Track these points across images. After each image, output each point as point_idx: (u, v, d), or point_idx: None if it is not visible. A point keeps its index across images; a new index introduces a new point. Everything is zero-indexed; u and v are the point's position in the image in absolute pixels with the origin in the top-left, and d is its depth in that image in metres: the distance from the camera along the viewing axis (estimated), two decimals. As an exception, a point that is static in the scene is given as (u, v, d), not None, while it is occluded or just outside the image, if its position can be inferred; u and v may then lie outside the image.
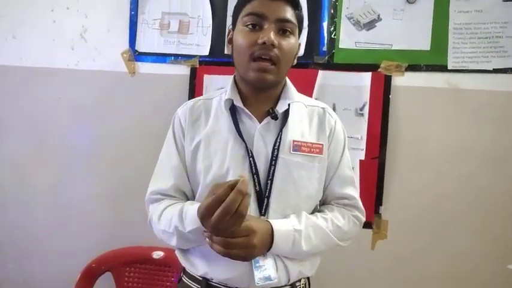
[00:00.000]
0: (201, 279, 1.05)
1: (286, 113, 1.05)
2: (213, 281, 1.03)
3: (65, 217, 2.02)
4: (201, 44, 1.89)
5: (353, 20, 1.76)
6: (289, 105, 1.05)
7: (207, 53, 1.88)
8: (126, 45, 1.96)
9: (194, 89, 1.88)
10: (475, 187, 1.68)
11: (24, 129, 2.04)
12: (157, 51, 1.93)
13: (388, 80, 1.73)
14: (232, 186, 0.79)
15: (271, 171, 1.01)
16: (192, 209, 0.94)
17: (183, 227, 0.95)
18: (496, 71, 1.65)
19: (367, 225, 1.73)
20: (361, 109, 1.75)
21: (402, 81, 1.73)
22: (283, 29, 0.98)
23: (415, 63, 1.71)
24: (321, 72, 1.77)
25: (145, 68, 1.95)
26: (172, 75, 1.92)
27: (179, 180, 1.07)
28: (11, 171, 2.06)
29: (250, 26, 0.98)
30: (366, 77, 1.74)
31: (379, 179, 1.74)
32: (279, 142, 1.02)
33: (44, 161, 2.03)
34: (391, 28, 1.73)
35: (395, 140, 1.74)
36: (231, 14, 1.81)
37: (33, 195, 2.04)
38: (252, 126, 1.04)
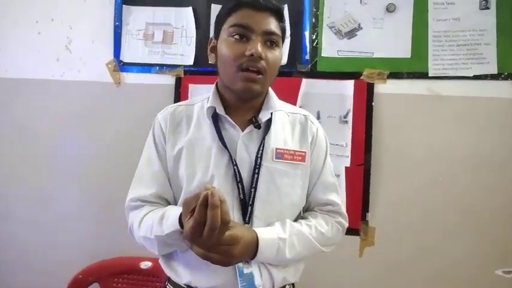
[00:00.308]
0: (185, 287, 1.05)
1: (268, 121, 1.06)
2: None
3: (51, 228, 2.01)
4: (185, 54, 1.90)
5: (334, 29, 1.78)
6: (271, 113, 1.06)
7: (191, 62, 1.90)
8: (111, 56, 1.97)
9: (179, 98, 1.89)
10: (458, 192, 1.70)
11: (11, 139, 2.04)
12: (142, 62, 1.95)
13: (370, 87, 1.75)
14: (205, 202, 0.79)
15: (255, 179, 1.01)
16: (172, 214, 0.94)
17: (162, 230, 0.95)
18: (476, 77, 1.67)
19: (354, 232, 1.75)
20: (345, 116, 1.77)
21: (384, 88, 1.75)
22: (270, 42, 0.99)
23: (397, 70, 1.74)
24: (304, 81, 1.79)
25: (130, 78, 1.96)
26: (158, 85, 1.92)
27: (160, 187, 1.06)
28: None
29: (236, 37, 0.98)
30: (349, 84, 1.76)
31: (365, 185, 1.75)
32: (262, 150, 1.03)
33: (30, 171, 2.02)
34: (372, 36, 1.75)
35: (379, 147, 1.75)
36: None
37: (19, 206, 2.03)
38: (235, 134, 1.04)
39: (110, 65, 1.96)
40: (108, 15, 1.96)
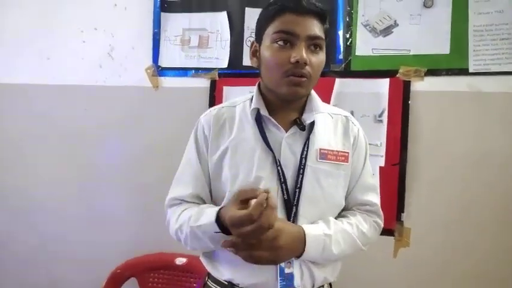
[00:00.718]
0: (226, 283, 1.06)
1: (311, 122, 1.06)
2: (239, 286, 1.04)
3: (94, 226, 2.11)
4: (220, 57, 1.95)
5: (369, 27, 1.76)
6: (314, 115, 1.06)
7: (225, 65, 1.94)
8: (149, 61, 2.05)
9: (214, 100, 1.94)
10: (500, 193, 1.62)
11: (58, 143, 2.16)
12: (179, 66, 2.01)
13: (407, 85, 1.71)
14: (263, 201, 0.83)
15: (300, 179, 1.02)
16: (210, 210, 0.98)
17: (197, 222, 0.98)
18: (520, 72, 1.59)
19: (389, 232, 1.71)
20: (380, 115, 1.73)
21: (422, 86, 1.70)
22: (314, 44, 0.99)
23: (435, 67, 1.68)
24: (338, 80, 1.78)
25: (168, 82, 2.03)
26: (194, 88, 1.98)
27: (199, 188, 1.08)
28: (45, 182, 2.18)
29: (280, 43, 0.98)
30: (384, 83, 1.73)
31: (400, 185, 1.71)
32: (306, 151, 1.03)
33: (75, 172, 2.14)
34: (408, 33, 1.71)
35: (416, 146, 1.70)
36: (248, 27, 1.90)
37: (65, 205, 2.15)
38: (279, 135, 1.04)
39: (148, 70, 2.05)
40: (147, 23, 2.04)
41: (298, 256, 0.97)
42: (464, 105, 1.66)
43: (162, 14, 2.02)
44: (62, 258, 2.15)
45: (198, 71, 1.98)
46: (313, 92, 1.10)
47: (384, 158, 1.71)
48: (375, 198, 1.13)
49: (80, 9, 2.12)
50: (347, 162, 1.07)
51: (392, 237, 1.73)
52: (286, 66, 0.96)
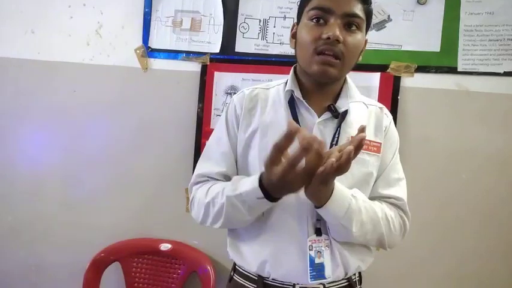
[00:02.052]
0: (256, 277, 1.03)
1: (345, 110, 1.03)
2: (269, 279, 1.00)
3: (77, 207, 2.07)
4: (212, 42, 1.92)
5: (363, 20, 1.76)
6: (349, 104, 1.04)
7: (217, 50, 1.91)
8: (139, 42, 2.00)
9: (205, 85, 1.91)
10: (482, 189, 1.68)
11: (40, 121, 2.10)
12: (170, 48, 1.97)
13: (397, 80, 1.73)
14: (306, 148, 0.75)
15: None
16: (250, 178, 0.92)
17: (236, 189, 0.93)
18: (506, 74, 1.64)
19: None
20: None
21: (411, 82, 1.73)
22: (350, 25, 0.95)
23: (425, 64, 1.71)
24: (329, 72, 1.78)
25: (157, 64, 1.99)
26: (184, 72, 1.95)
27: (227, 166, 1.06)
28: (26, 162, 2.12)
29: (315, 20, 0.96)
30: (375, 77, 1.75)
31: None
32: (337, 138, 1.01)
33: (58, 152, 2.08)
34: (401, 29, 1.73)
35: (403, 141, 1.70)
36: (242, 13, 1.88)
37: (47, 185, 2.10)
38: (311, 120, 1.02)
39: (138, 51, 2.00)
40: (138, 2, 1.98)
41: (321, 205, 0.92)
42: (451, 103, 1.70)
43: (155, -7, 1.98)
44: (42, 240, 2.11)
45: (189, 55, 1.95)
46: (349, 80, 1.09)
47: (371, 151, 1.74)
48: (399, 192, 1.08)
49: (67, -17, 2.05)
50: (379, 153, 1.05)
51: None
52: (317, 43, 0.94)
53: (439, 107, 1.71)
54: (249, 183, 0.91)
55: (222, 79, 1.90)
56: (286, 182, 0.81)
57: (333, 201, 0.91)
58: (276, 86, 1.10)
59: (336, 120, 1.02)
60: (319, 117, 1.02)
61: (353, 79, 1.73)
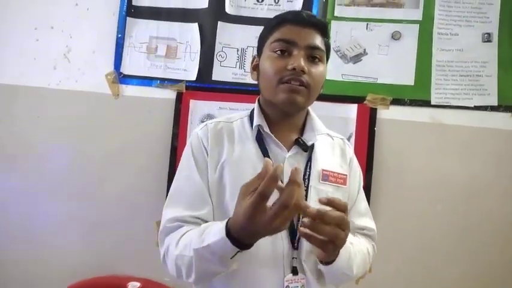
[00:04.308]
0: None
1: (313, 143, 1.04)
2: None
3: (36, 243, 1.91)
4: (188, 69, 1.88)
5: (340, 53, 1.80)
6: (316, 136, 1.04)
7: (194, 78, 1.87)
8: (111, 67, 1.92)
9: (179, 113, 1.85)
10: (455, 221, 1.71)
11: (2, 147, 1.95)
12: (143, 75, 1.91)
13: (373, 112, 1.76)
14: (275, 177, 0.67)
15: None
16: (217, 224, 0.84)
17: (202, 241, 0.84)
18: (477, 108, 1.71)
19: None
20: (348, 140, 1.75)
21: (387, 114, 1.77)
22: (313, 56, 0.97)
23: (400, 97, 1.76)
24: (308, 102, 1.78)
25: (130, 90, 1.92)
26: (158, 99, 1.89)
27: (203, 208, 0.97)
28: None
29: (278, 52, 0.96)
30: (352, 108, 1.77)
31: (364, 210, 1.73)
32: (309, 171, 1.00)
33: (17, 181, 1.93)
34: (376, 62, 1.78)
35: (380, 172, 1.75)
36: (220, 42, 1.86)
37: (4, 218, 1.93)
38: (280, 154, 1.00)
39: (109, 76, 1.92)
40: (111, 27, 1.92)
41: (329, 262, 0.89)
42: (425, 135, 1.75)
43: (128, 18, 1.92)
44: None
45: (164, 82, 1.89)
46: (312, 112, 1.09)
47: (349, 182, 1.73)
48: (370, 223, 1.11)
49: (34, 5, 1.96)
50: (345, 185, 1.05)
51: (354, 262, 1.73)
52: (282, 74, 0.94)
53: (414, 139, 1.75)
54: (216, 232, 0.82)
55: (198, 107, 1.85)
56: (258, 221, 0.72)
57: (340, 256, 0.89)
58: (239, 119, 1.07)
59: (305, 154, 1.02)
60: (288, 151, 1.01)
61: (331, 110, 1.79)
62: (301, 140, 1.02)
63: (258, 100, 1.07)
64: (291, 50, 0.96)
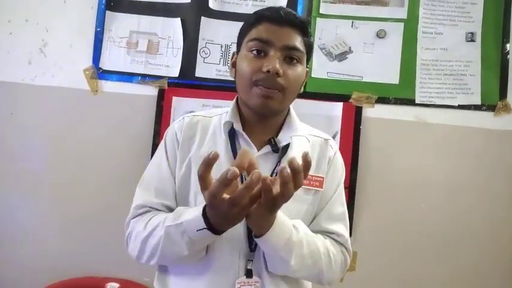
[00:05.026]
0: None
1: (287, 144, 0.99)
2: None
3: (8, 244, 1.83)
4: (170, 65, 1.83)
5: (325, 51, 1.78)
6: (291, 137, 1.00)
7: (176, 74, 1.82)
8: (89, 62, 1.85)
9: (162, 110, 1.80)
10: (441, 218, 1.72)
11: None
12: (124, 70, 1.85)
13: (359, 110, 1.75)
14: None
15: None
16: (194, 208, 0.86)
17: (178, 218, 0.86)
18: (460, 107, 1.72)
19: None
20: (333, 138, 1.74)
21: (372, 112, 1.76)
22: (290, 56, 0.93)
23: (385, 95, 1.75)
24: (293, 100, 1.76)
25: (109, 86, 1.85)
26: (139, 96, 1.83)
27: (170, 197, 0.99)
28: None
29: (255, 52, 0.93)
30: (338, 107, 1.75)
31: (349, 209, 1.69)
32: (276, 174, 0.95)
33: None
34: (362, 60, 1.76)
35: (365, 170, 1.74)
36: (203, 38, 1.81)
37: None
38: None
39: (87, 72, 1.85)
40: (89, 20, 1.85)
41: (261, 234, 0.85)
42: (409, 134, 1.75)
43: (108, 12, 1.85)
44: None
45: (145, 78, 1.83)
46: (292, 111, 1.05)
47: (334, 181, 1.71)
48: (342, 229, 1.03)
49: (8, -4, 1.87)
50: (321, 187, 1.00)
51: (339, 261, 1.72)
52: (257, 76, 0.91)
53: (398, 138, 1.75)
54: (192, 212, 0.85)
55: (181, 104, 1.80)
56: (217, 205, 0.75)
57: (274, 230, 0.85)
58: (218, 116, 1.05)
59: (276, 155, 0.98)
60: (258, 151, 0.97)
61: (316, 108, 1.77)
62: (274, 140, 0.98)
63: (237, 98, 1.04)
64: (267, 50, 0.92)
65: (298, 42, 0.94)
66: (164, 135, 1.05)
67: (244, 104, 1.00)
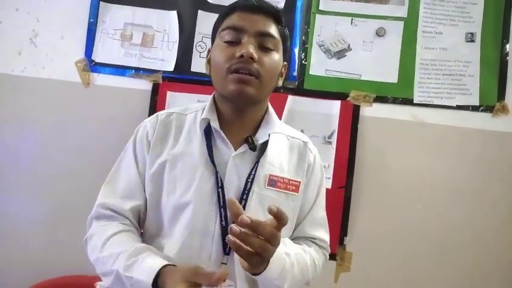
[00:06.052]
0: None
1: (265, 142, 0.96)
2: None
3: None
4: (165, 59, 1.79)
5: (324, 48, 1.75)
6: (269, 135, 0.97)
7: (171, 68, 1.78)
8: (81, 54, 1.81)
9: (156, 105, 1.76)
10: (437, 219, 1.70)
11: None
12: (117, 63, 1.80)
13: (356, 109, 1.73)
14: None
15: (242, 205, 0.89)
16: (150, 261, 0.82)
17: (129, 270, 0.82)
18: (459, 107, 1.70)
19: (331, 256, 1.67)
20: (329, 137, 1.72)
21: (370, 111, 1.73)
22: (265, 45, 0.91)
23: (383, 94, 1.73)
24: (290, 97, 1.73)
25: (101, 79, 1.81)
26: (132, 89, 1.79)
27: (136, 202, 0.95)
28: None
29: (228, 39, 0.91)
30: (335, 105, 1.73)
31: (344, 209, 1.70)
32: (254, 174, 0.92)
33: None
34: (360, 59, 1.74)
35: (361, 170, 1.72)
36: (199, 32, 1.77)
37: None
38: (226, 153, 0.93)
39: (79, 64, 1.80)
40: (82, 11, 1.80)
41: (259, 273, 0.83)
42: (407, 134, 1.73)
43: (102, 3, 1.81)
44: None
45: (139, 71, 1.79)
46: (270, 108, 1.02)
47: (331, 180, 1.69)
48: (324, 235, 1.05)
49: (-3, -16, 1.81)
50: (297, 192, 0.98)
51: (334, 262, 1.70)
52: (231, 61, 0.88)
53: (396, 137, 1.73)
54: (145, 272, 0.80)
55: (176, 99, 1.76)
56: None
57: (269, 268, 0.83)
58: (194, 112, 1.01)
59: (254, 154, 0.95)
60: (235, 149, 0.94)
61: (313, 106, 1.74)
62: (251, 138, 0.95)
63: (214, 95, 1.01)
64: (240, 38, 0.90)
65: (272, 29, 0.93)
66: (135, 131, 1.01)
67: (221, 99, 0.97)
